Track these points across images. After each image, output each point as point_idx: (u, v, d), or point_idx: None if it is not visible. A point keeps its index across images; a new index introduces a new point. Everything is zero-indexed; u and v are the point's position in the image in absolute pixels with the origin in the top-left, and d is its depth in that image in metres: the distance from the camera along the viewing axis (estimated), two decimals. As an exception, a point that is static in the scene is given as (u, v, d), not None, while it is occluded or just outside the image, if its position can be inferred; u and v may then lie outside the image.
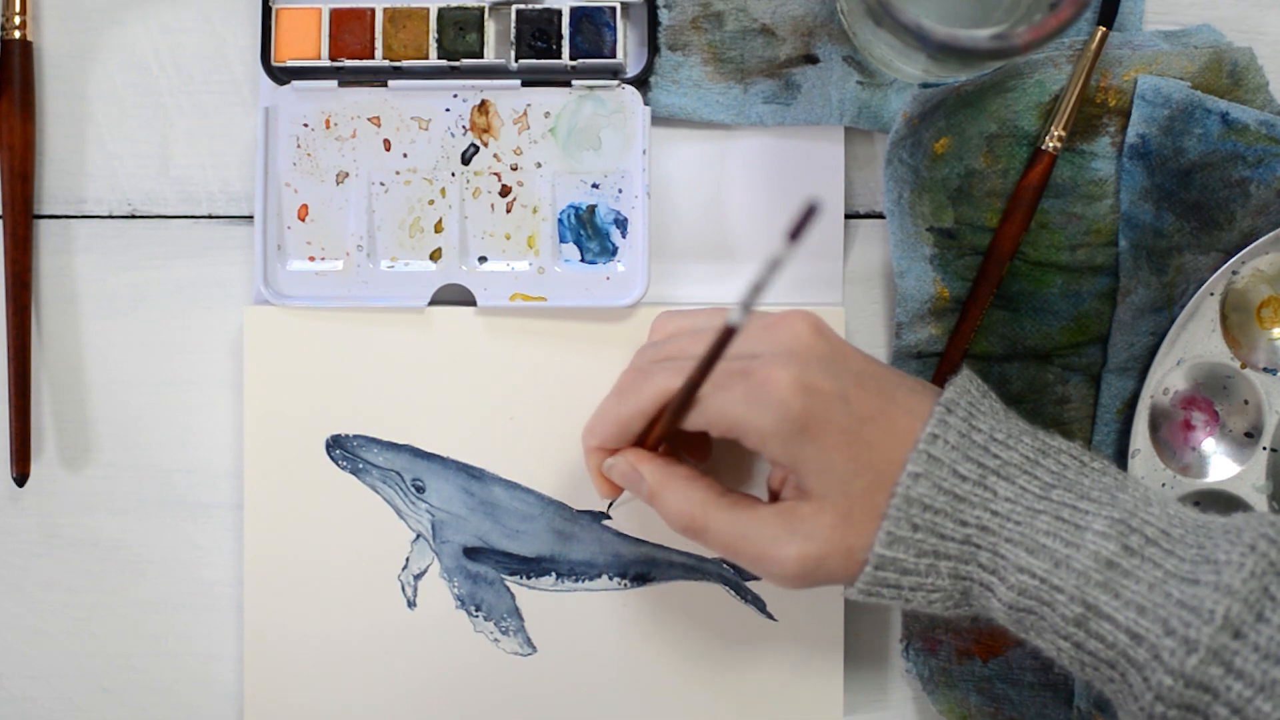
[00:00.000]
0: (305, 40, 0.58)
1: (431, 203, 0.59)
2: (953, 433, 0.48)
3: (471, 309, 0.59)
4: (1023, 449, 0.49)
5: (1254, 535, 0.45)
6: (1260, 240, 0.57)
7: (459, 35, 0.58)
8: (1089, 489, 0.48)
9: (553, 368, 0.59)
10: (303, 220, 0.59)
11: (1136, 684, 0.45)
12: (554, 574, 0.60)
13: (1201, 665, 0.44)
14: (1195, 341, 0.58)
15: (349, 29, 0.58)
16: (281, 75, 0.59)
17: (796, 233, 0.40)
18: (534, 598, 0.60)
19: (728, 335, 0.44)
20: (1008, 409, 0.51)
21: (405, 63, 0.58)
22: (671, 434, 0.51)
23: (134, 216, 0.61)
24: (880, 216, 0.60)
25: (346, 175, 0.59)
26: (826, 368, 0.49)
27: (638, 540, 0.59)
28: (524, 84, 0.59)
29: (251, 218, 0.60)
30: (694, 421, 0.50)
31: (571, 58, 0.58)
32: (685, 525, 0.50)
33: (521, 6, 0.58)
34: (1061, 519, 0.47)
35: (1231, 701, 0.44)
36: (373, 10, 0.58)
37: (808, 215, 0.40)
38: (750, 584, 0.59)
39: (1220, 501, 0.59)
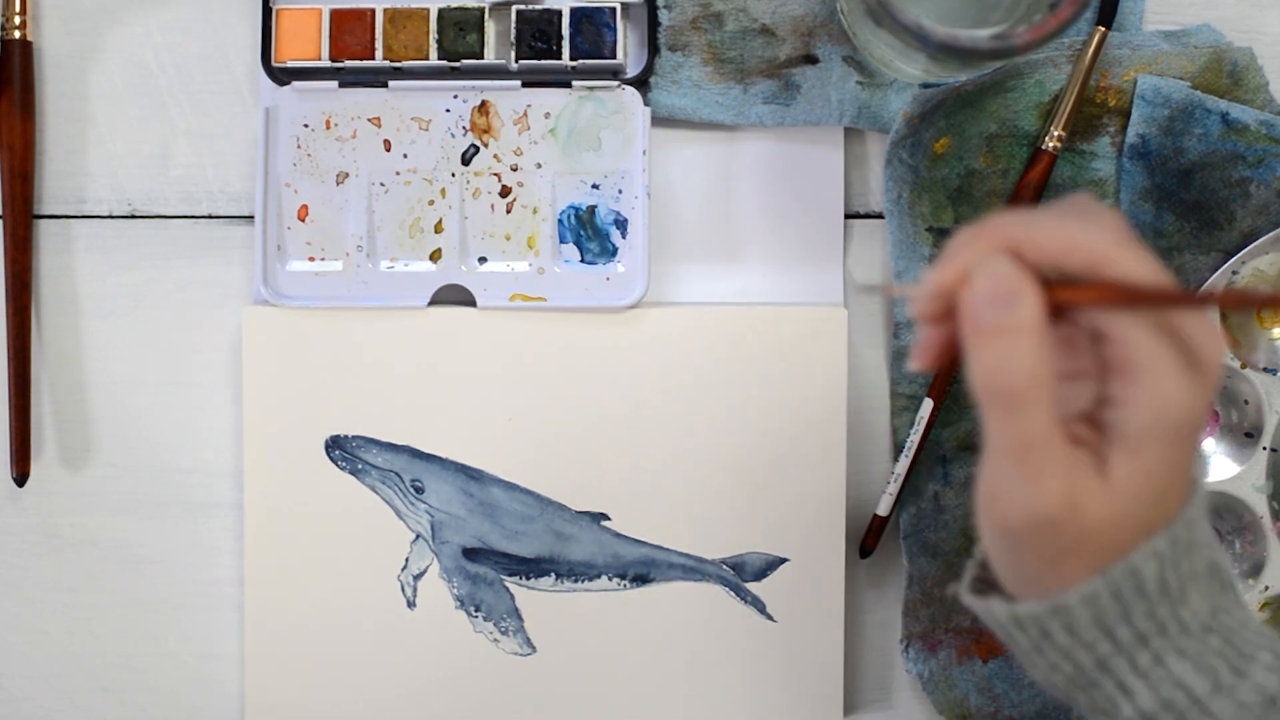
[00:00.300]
0: (305, 41, 0.58)
1: (431, 203, 0.59)
2: (1191, 523, 0.41)
3: (471, 309, 0.59)
4: (1207, 557, 0.43)
5: None
6: (1260, 240, 0.57)
7: (459, 36, 0.58)
8: (1245, 618, 0.43)
9: (552, 368, 0.59)
10: (303, 220, 0.59)
11: None
12: (553, 574, 0.60)
13: None
14: (1195, 342, 0.58)
15: (349, 29, 0.58)
16: (282, 76, 0.59)
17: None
18: (533, 598, 0.60)
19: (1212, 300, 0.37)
20: None
21: (405, 63, 0.58)
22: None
23: (134, 216, 0.61)
24: (880, 216, 0.60)
25: (346, 176, 0.59)
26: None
27: (637, 541, 0.59)
28: (524, 84, 0.59)
29: (251, 218, 0.60)
30: (1132, 334, 0.39)
31: (571, 58, 0.58)
32: (1002, 396, 0.39)
33: (521, 7, 0.58)
34: (1232, 645, 0.42)
35: None
36: (373, 11, 0.58)
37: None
38: (750, 585, 0.59)
39: (1220, 501, 0.59)
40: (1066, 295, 0.39)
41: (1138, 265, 0.39)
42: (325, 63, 0.58)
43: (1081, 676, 0.43)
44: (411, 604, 0.59)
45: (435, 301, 0.59)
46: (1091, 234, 0.39)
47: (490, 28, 0.58)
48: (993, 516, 0.40)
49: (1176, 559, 0.41)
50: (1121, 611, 0.41)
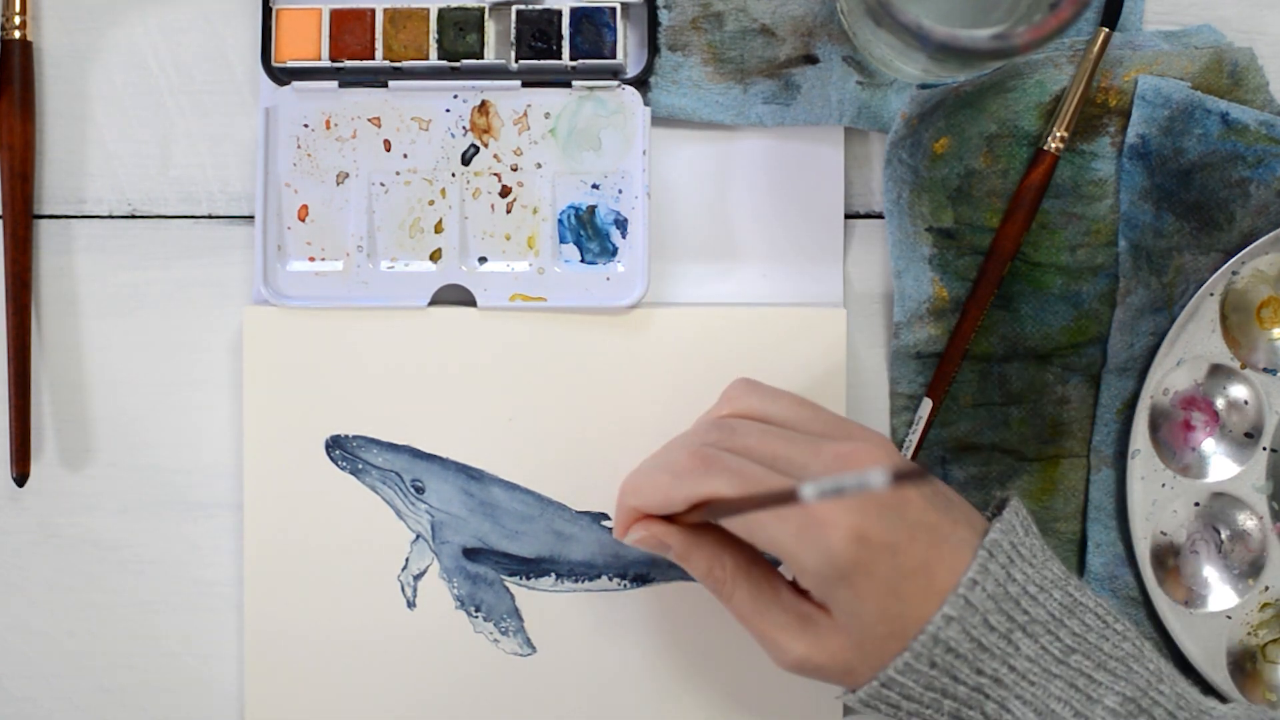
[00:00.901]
0: (305, 41, 0.58)
1: (431, 203, 0.59)
2: (991, 580, 0.48)
3: (471, 309, 0.59)
4: (1052, 604, 0.49)
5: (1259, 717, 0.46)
6: (1260, 240, 0.57)
7: (459, 36, 0.58)
8: (1107, 656, 0.48)
9: (553, 368, 0.59)
10: (303, 221, 0.59)
11: None
12: (553, 574, 0.60)
13: None
14: (1195, 341, 0.58)
15: (349, 29, 0.58)
16: (282, 76, 0.59)
17: (900, 478, 0.38)
18: (534, 598, 0.60)
19: (789, 498, 0.43)
20: (1044, 545, 0.51)
21: (405, 63, 0.58)
22: None
23: (134, 216, 0.61)
24: (880, 216, 0.60)
25: (346, 176, 0.59)
26: (884, 516, 0.48)
27: (638, 541, 0.59)
28: (524, 84, 0.59)
29: (251, 218, 0.60)
30: (737, 528, 0.50)
31: (571, 58, 0.58)
32: (711, 587, 0.51)
33: (521, 7, 0.58)
34: (1076, 687, 0.47)
35: None
36: (373, 11, 0.58)
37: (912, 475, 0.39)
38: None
39: (1221, 501, 0.59)
40: (693, 519, 0.51)
41: (714, 486, 0.49)
42: (325, 63, 0.58)
43: None
44: (411, 604, 0.59)
45: (435, 301, 0.59)
46: (672, 484, 0.50)
47: (490, 28, 0.58)
48: (787, 669, 0.51)
49: (984, 613, 0.47)
50: (946, 673, 0.48)
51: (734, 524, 0.50)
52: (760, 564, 0.52)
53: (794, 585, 0.52)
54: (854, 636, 0.49)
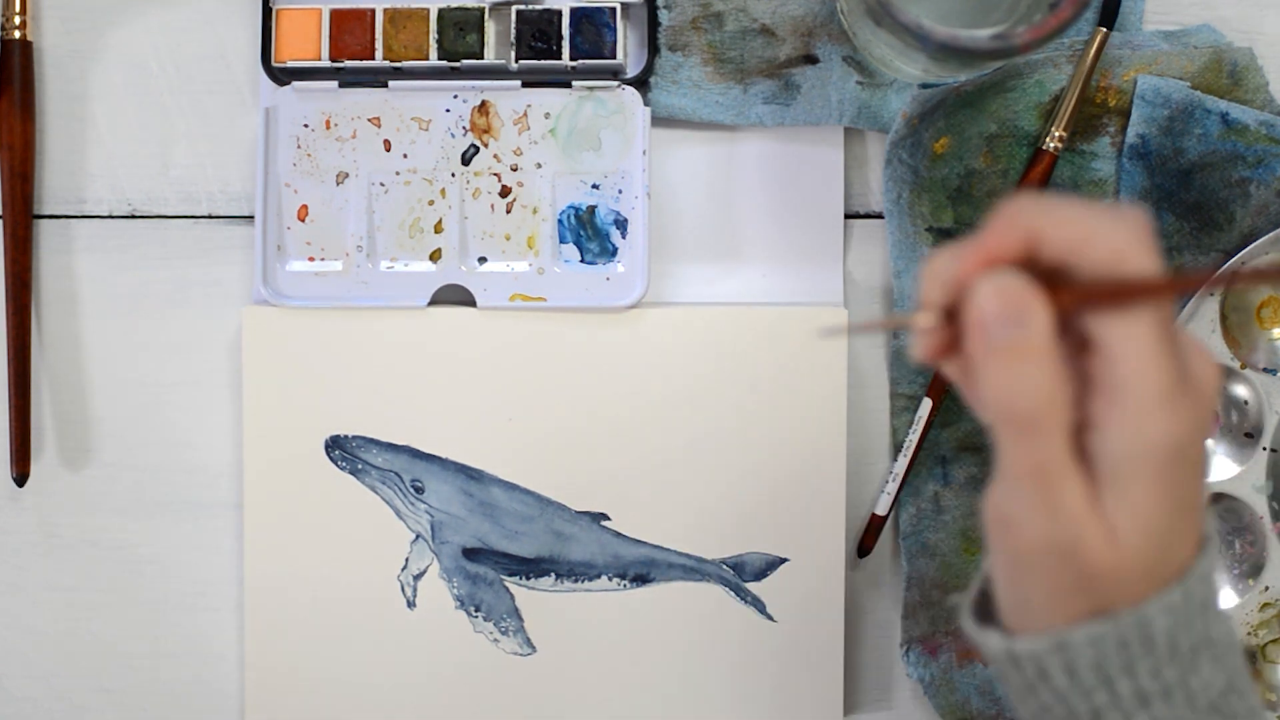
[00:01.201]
0: (305, 41, 0.58)
1: (431, 203, 0.59)
2: (1205, 579, 0.38)
3: (471, 309, 0.59)
4: (1224, 629, 0.39)
5: None
6: (1260, 240, 0.57)
7: (459, 36, 0.58)
8: (1254, 708, 0.40)
9: (552, 369, 0.59)
10: (303, 221, 0.59)
11: None
12: (553, 575, 0.59)
13: None
14: (1195, 342, 0.58)
15: (349, 30, 0.58)
16: (282, 76, 0.59)
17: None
18: (533, 598, 0.59)
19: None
20: None
21: (405, 63, 0.58)
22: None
23: (134, 216, 0.61)
24: (880, 216, 0.60)
25: (346, 176, 0.59)
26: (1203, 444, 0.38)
27: (637, 541, 0.59)
28: (524, 85, 0.59)
29: (251, 218, 0.60)
30: (1116, 331, 0.36)
31: (571, 58, 0.58)
32: (1012, 421, 0.37)
33: (522, 7, 0.58)
34: None
35: None
36: (373, 11, 0.58)
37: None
38: (749, 585, 0.59)
39: (1221, 502, 0.59)
40: (1075, 299, 0.36)
41: (1144, 260, 0.36)
42: (325, 63, 0.58)
43: None
44: (411, 604, 0.59)
45: (435, 301, 0.59)
46: (1112, 228, 0.36)
47: (490, 28, 0.58)
48: (1006, 541, 0.38)
49: (1190, 617, 0.38)
50: (1126, 663, 0.38)
51: (1137, 342, 0.36)
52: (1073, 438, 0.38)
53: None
54: (1125, 559, 0.37)
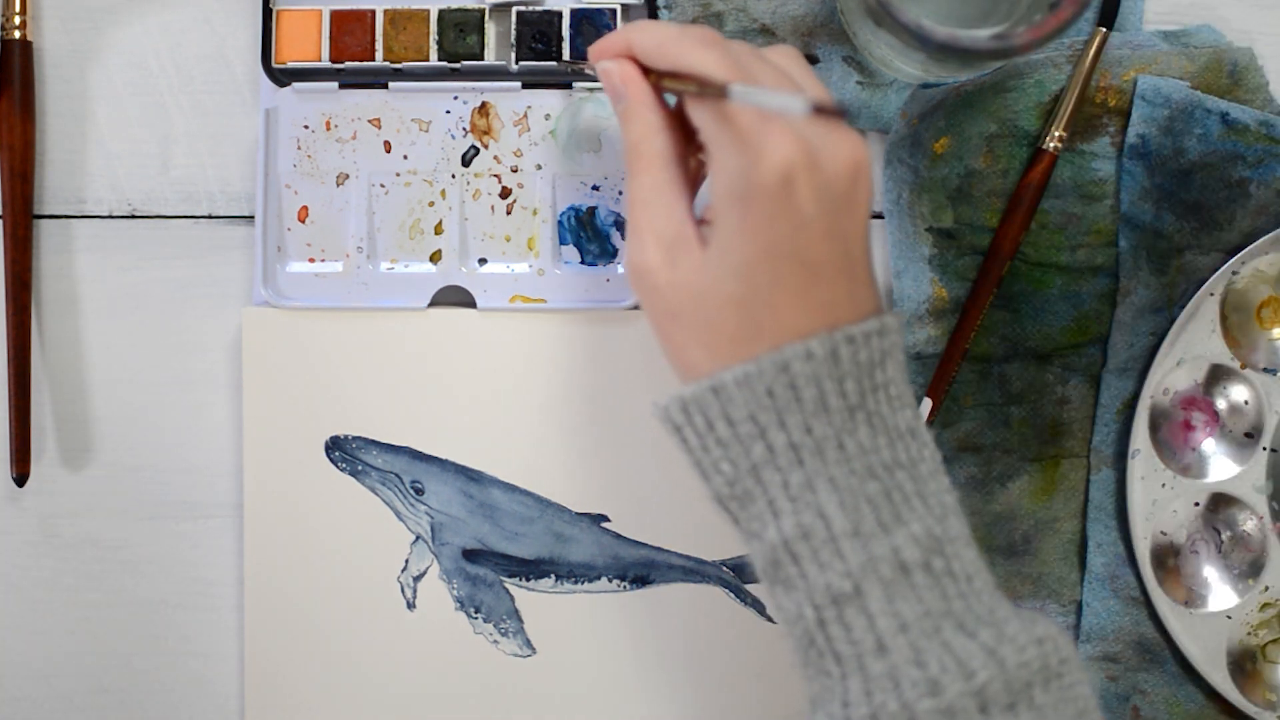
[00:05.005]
0: (306, 42, 0.58)
1: (431, 205, 0.59)
2: (868, 351, 0.44)
3: (471, 311, 0.59)
4: (901, 418, 0.45)
5: (1048, 632, 0.43)
6: (1260, 240, 0.57)
7: (459, 37, 0.58)
8: (930, 493, 0.44)
9: (552, 370, 0.59)
10: (303, 222, 0.59)
11: (854, 692, 0.42)
12: (553, 576, 0.59)
13: (934, 713, 0.41)
14: (1195, 341, 0.58)
15: (349, 31, 0.58)
16: (282, 77, 0.59)
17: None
18: (533, 599, 0.59)
19: (720, 92, 0.43)
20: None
21: (406, 64, 0.58)
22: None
23: (134, 216, 0.61)
24: (880, 216, 0.60)
25: (347, 177, 0.59)
26: (821, 193, 0.44)
27: (637, 543, 0.59)
28: (524, 86, 0.59)
29: (251, 218, 0.60)
30: (697, 115, 0.46)
31: (572, 59, 0.58)
32: (629, 157, 0.47)
33: (522, 8, 0.58)
34: (890, 500, 0.43)
35: None
36: (373, 12, 0.58)
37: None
38: (750, 587, 0.59)
39: (1221, 502, 0.59)
40: (655, 81, 0.48)
41: (702, 59, 0.45)
42: (325, 64, 0.58)
43: (739, 484, 0.44)
44: (411, 605, 0.59)
45: (435, 303, 0.59)
46: (678, 40, 0.47)
47: (490, 29, 0.58)
48: (643, 288, 0.46)
49: (841, 375, 0.43)
50: (776, 411, 0.43)
51: (697, 110, 0.46)
52: (683, 174, 0.48)
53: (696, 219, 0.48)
54: (709, 285, 0.44)
